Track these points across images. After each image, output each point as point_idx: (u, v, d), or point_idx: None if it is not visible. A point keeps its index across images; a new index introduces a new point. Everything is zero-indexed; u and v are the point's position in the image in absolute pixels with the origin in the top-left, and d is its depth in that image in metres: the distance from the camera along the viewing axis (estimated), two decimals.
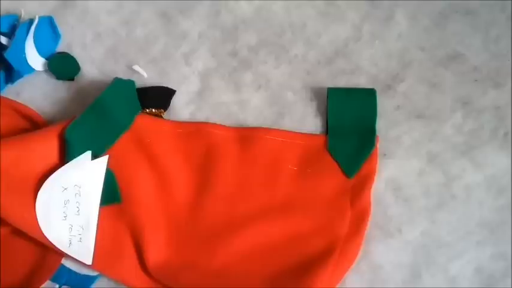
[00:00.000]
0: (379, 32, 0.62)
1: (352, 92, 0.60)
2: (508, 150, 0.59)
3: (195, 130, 0.60)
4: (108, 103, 0.59)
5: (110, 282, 0.59)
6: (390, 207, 0.59)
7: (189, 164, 0.59)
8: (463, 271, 0.57)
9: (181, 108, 0.62)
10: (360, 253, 0.57)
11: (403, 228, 0.58)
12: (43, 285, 0.58)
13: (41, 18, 0.63)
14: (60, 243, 0.57)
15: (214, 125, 0.61)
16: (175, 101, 0.62)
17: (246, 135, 0.60)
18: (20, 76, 0.62)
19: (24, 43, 0.62)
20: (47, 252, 0.58)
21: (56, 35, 0.63)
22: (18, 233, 0.57)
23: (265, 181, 0.59)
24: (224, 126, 0.60)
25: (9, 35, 0.63)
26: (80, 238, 0.57)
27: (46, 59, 0.63)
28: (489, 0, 0.62)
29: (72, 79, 0.63)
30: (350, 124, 0.59)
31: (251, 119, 0.61)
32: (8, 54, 0.62)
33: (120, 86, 0.60)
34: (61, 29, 0.64)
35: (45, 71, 0.63)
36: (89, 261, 0.57)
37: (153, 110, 0.61)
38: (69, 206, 0.57)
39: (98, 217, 0.57)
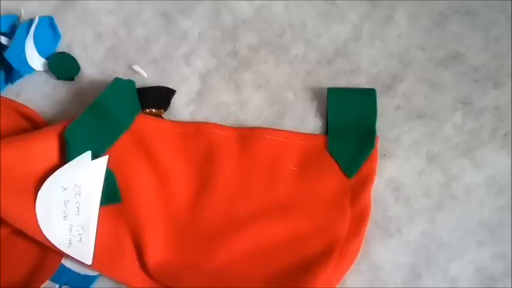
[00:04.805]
0: (379, 32, 0.62)
1: (352, 92, 0.60)
2: (508, 150, 0.59)
3: (195, 130, 0.60)
4: (108, 103, 0.59)
5: (110, 282, 0.59)
6: (390, 207, 0.59)
7: (189, 164, 0.59)
8: (463, 271, 0.57)
9: (181, 108, 0.62)
10: (360, 253, 0.57)
11: (403, 228, 0.58)
12: (43, 285, 0.58)
13: (41, 18, 0.63)
14: (60, 243, 0.57)
15: (214, 125, 0.61)
16: (175, 101, 0.62)
17: (246, 135, 0.60)
18: (20, 76, 0.63)
19: (24, 43, 0.62)
20: (47, 252, 0.58)
21: (56, 35, 0.63)
22: (18, 233, 0.57)
23: (265, 181, 0.59)
24: (224, 126, 0.60)
25: (9, 35, 0.63)
26: (80, 238, 0.57)
27: (46, 59, 0.63)
28: (489, 0, 0.62)
29: (72, 79, 0.63)
30: (350, 124, 0.59)
31: (251, 119, 0.61)
32: (8, 54, 0.62)
33: (120, 86, 0.60)
34: (61, 29, 0.64)
35: (45, 71, 0.63)
36: (89, 261, 0.57)
37: (153, 110, 0.61)
38: (69, 206, 0.57)
39: (98, 217, 0.57)
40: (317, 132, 0.60)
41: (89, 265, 0.57)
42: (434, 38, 0.62)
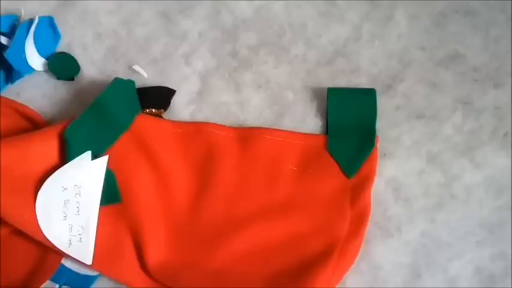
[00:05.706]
0: (379, 32, 0.62)
1: (352, 92, 0.60)
2: (508, 150, 0.59)
3: (195, 130, 0.60)
4: (108, 103, 0.59)
5: (110, 282, 0.59)
6: (390, 207, 0.59)
7: (189, 164, 0.59)
8: (463, 271, 0.57)
9: (181, 108, 0.62)
10: (360, 253, 0.57)
11: (402, 228, 0.58)
12: (43, 285, 0.58)
13: (41, 18, 0.63)
14: (60, 243, 0.57)
15: (214, 125, 0.61)
16: (175, 101, 0.62)
17: (246, 135, 0.60)
18: (20, 76, 0.63)
19: (24, 43, 0.62)
20: (47, 252, 0.58)
21: (56, 35, 0.63)
22: (18, 233, 0.57)
23: (265, 181, 0.59)
24: (224, 126, 0.60)
25: (9, 35, 0.63)
26: (80, 238, 0.57)
27: (46, 59, 0.63)
28: (489, 0, 0.62)
29: (72, 79, 0.63)
30: (350, 124, 0.59)
31: (251, 119, 0.61)
32: (8, 54, 0.62)
33: (120, 86, 0.60)
34: (61, 29, 0.64)
35: (45, 71, 0.63)
36: (89, 261, 0.57)
37: (153, 110, 0.61)
38: (69, 206, 0.57)
39: (98, 217, 0.57)
40: (317, 132, 0.60)
41: (89, 265, 0.57)
42: (434, 38, 0.62)
